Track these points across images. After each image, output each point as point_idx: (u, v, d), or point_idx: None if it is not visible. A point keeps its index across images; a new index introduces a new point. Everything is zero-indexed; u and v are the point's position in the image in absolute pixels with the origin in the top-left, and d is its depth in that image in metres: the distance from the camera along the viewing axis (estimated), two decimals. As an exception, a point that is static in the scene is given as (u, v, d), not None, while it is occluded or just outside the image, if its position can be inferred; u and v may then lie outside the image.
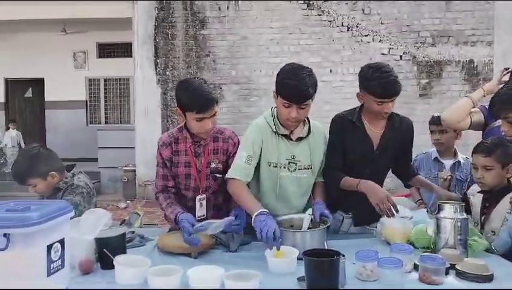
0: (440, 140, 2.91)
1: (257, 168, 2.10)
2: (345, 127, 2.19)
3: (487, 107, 2.43)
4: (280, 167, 2.09)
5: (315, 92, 1.99)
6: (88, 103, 11.11)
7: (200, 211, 2.13)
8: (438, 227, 1.87)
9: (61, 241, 1.54)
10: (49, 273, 1.48)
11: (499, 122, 2.39)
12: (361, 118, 2.19)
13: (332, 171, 2.18)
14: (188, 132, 2.11)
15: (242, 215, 1.98)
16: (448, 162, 2.95)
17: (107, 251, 1.72)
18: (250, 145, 2.05)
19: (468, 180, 2.91)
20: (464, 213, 1.86)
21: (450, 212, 1.84)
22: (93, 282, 1.66)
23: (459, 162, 2.93)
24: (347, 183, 2.12)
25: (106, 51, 10.88)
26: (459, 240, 1.83)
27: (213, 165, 2.14)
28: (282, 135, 2.08)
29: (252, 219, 1.85)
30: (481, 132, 2.66)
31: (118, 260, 1.65)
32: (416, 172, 2.53)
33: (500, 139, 2.09)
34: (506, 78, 2.49)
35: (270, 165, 2.09)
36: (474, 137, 2.54)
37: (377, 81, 2.03)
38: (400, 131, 2.21)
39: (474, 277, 1.61)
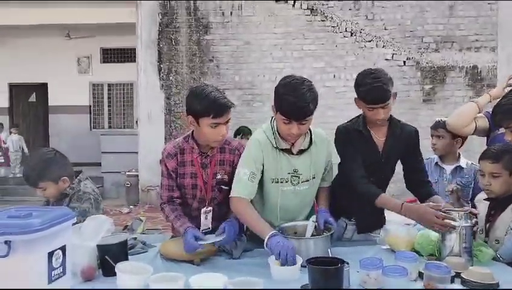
0: (436, 145, 2.90)
1: (259, 184, 2.05)
2: (352, 136, 2.18)
3: (490, 113, 2.42)
4: (282, 182, 2.05)
5: (315, 107, 1.91)
6: (92, 108, 11.15)
7: (205, 223, 2.10)
8: (442, 235, 1.85)
9: (63, 248, 1.54)
10: (50, 281, 1.47)
11: (503, 129, 2.38)
12: (367, 126, 2.18)
13: (364, 183, 2.10)
14: (195, 142, 2.07)
15: (230, 228, 1.93)
16: (449, 167, 2.93)
17: (108, 258, 1.71)
18: (252, 162, 2.00)
19: (472, 185, 2.88)
20: (469, 221, 1.84)
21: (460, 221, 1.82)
22: (95, 289, 1.66)
23: (460, 167, 2.91)
24: (388, 204, 2.05)
25: (110, 56, 10.93)
26: (464, 248, 1.81)
27: (219, 177, 2.10)
28: (282, 149, 2.03)
29: (266, 242, 1.79)
30: (485, 138, 2.64)
31: (119, 267, 1.64)
32: (435, 192, 2.26)
33: (508, 146, 2.07)
34: (511, 83, 2.48)
35: (272, 182, 2.06)
36: (477, 143, 2.53)
37: (365, 87, 2.05)
38: (401, 138, 2.18)
39: (480, 285, 1.59)
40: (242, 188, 1.97)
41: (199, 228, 2.06)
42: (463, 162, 2.93)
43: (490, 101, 2.47)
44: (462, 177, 2.90)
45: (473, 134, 2.59)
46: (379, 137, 2.18)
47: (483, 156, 2.12)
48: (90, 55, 10.92)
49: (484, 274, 1.63)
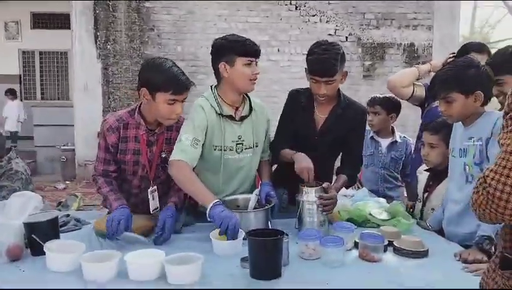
0: (372, 121, 3.00)
1: (201, 153, 2.00)
2: (296, 105, 2.18)
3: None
4: (225, 150, 2.03)
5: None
6: (22, 77, 10.38)
7: (153, 204, 2.00)
8: (301, 210, 1.88)
9: (-17, 228, 1.42)
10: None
11: (438, 102, 2.49)
12: (313, 100, 2.16)
13: (276, 142, 2.18)
14: (142, 118, 1.95)
15: (168, 221, 1.82)
16: (384, 142, 3.05)
17: (36, 237, 1.61)
18: (196, 128, 1.95)
19: (403, 158, 3.04)
20: (315, 196, 1.87)
21: (312, 196, 1.87)
22: (23, 269, 1.56)
23: (395, 141, 3.04)
24: (284, 153, 2.09)
25: (41, 21, 10.15)
26: (321, 221, 1.88)
27: (164, 156, 2.00)
28: (226, 116, 2.01)
29: (208, 211, 1.73)
30: (419, 115, 2.77)
31: (48, 246, 1.55)
32: (348, 172, 2.18)
33: None
34: (451, 60, 2.59)
35: (215, 149, 2.02)
36: (412, 118, 2.64)
37: (312, 56, 2.01)
38: (345, 119, 2.13)
39: (411, 253, 1.67)
40: (183, 152, 1.89)
41: (138, 206, 1.98)
42: (397, 136, 3.06)
43: (430, 71, 2.57)
44: (396, 151, 3.04)
45: (408, 100, 2.69)
46: (320, 114, 2.16)
47: (425, 128, 2.23)
48: (19, 20, 10.07)
49: (414, 242, 1.71)
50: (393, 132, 3.08)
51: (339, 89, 2.16)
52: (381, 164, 3.02)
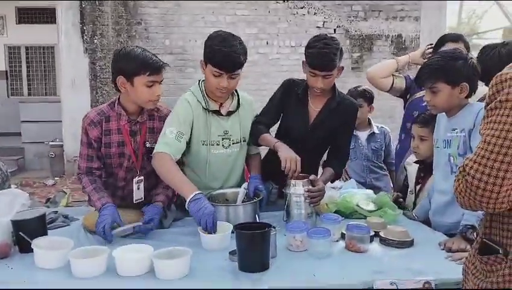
0: None
1: (187, 148, 2.02)
2: (290, 94, 2.17)
3: (411, 77, 2.54)
4: (212, 145, 2.04)
5: (245, 61, 1.94)
6: (8, 73, 10.22)
7: (138, 194, 2.00)
8: (288, 203, 1.91)
9: (-31, 226, 1.41)
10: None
11: (420, 93, 2.52)
12: (307, 92, 2.16)
13: (258, 124, 2.14)
14: (123, 108, 1.95)
15: (156, 218, 1.85)
16: (362, 134, 3.08)
17: (23, 234, 1.60)
18: (181, 121, 1.95)
19: (383, 148, 3.08)
20: (302, 188, 1.88)
21: (299, 188, 1.89)
22: (11, 266, 1.56)
23: (373, 133, 3.08)
24: (266, 139, 2.05)
25: (27, 16, 9.97)
26: (309, 213, 1.90)
27: (148, 145, 2.00)
28: (212, 111, 2.02)
29: (187, 203, 1.73)
30: (399, 106, 2.79)
31: (36, 243, 1.54)
32: (334, 166, 2.20)
33: None
34: (430, 51, 2.62)
35: (203, 144, 2.03)
36: (388, 108, 2.67)
37: (312, 50, 2.01)
38: (337, 113, 2.13)
39: (396, 243, 1.70)
40: (167, 145, 1.89)
41: (124, 199, 1.99)
42: (375, 127, 3.10)
43: (409, 62, 2.59)
44: (375, 142, 3.08)
45: (389, 91, 2.71)
46: (315, 106, 2.16)
47: (416, 120, 2.25)
48: (4, 15, 9.88)
49: (400, 232, 1.74)
50: (370, 123, 3.11)
51: (334, 83, 2.17)
52: (363, 156, 3.05)
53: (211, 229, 1.69)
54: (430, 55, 2.53)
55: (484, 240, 1.09)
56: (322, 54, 1.97)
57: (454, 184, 1.08)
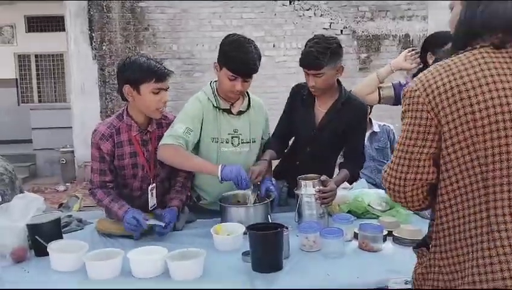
0: None
1: (197, 145, 2.05)
2: (297, 98, 2.20)
3: (400, 83, 2.52)
4: (222, 142, 2.05)
5: (259, 66, 1.99)
6: (18, 81, 10.36)
7: (152, 200, 2.01)
8: (300, 203, 1.91)
9: (-13, 230, 1.43)
10: (-26, 265, 1.37)
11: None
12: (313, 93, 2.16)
13: (272, 137, 2.25)
14: (132, 119, 1.95)
15: (173, 222, 1.88)
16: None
17: (39, 238, 1.63)
18: (190, 118, 1.98)
19: (388, 146, 3.05)
20: (313, 189, 1.89)
21: (310, 189, 1.89)
22: (27, 270, 1.58)
23: (374, 132, 3.05)
24: (265, 155, 2.13)
25: (36, 24, 10.11)
26: (320, 214, 1.90)
27: None
28: (222, 109, 2.05)
29: (219, 176, 1.84)
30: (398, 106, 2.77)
31: (51, 246, 1.56)
32: (349, 167, 2.18)
33: None
34: (413, 53, 2.56)
35: (212, 141, 2.05)
36: (388, 107, 2.65)
37: (303, 49, 2.05)
38: (344, 113, 2.12)
39: (410, 241, 1.69)
40: (176, 137, 1.92)
41: (141, 209, 2.00)
42: (376, 126, 3.07)
43: (392, 71, 2.55)
44: (378, 141, 3.05)
45: (379, 103, 2.69)
46: (321, 108, 2.16)
47: None
48: (14, 24, 10.03)
49: (413, 231, 1.73)
50: (370, 122, 3.09)
51: (340, 84, 2.17)
52: (368, 157, 3.03)
53: (246, 182, 1.83)
54: (414, 56, 2.48)
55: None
56: (308, 52, 2.01)
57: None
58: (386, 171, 1.12)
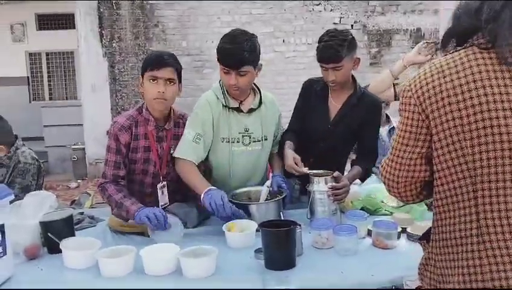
0: None
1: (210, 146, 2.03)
2: (310, 93, 2.19)
3: None
4: (233, 142, 2.03)
5: (255, 59, 1.92)
6: (30, 79, 10.45)
7: (163, 199, 1.99)
8: (312, 200, 1.89)
9: (1, 228, 1.44)
10: (-12, 262, 1.38)
11: None
12: (327, 88, 2.15)
13: (286, 132, 2.21)
14: (150, 114, 1.96)
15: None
16: (382, 130, 3.03)
17: (52, 235, 1.63)
18: (199, 123, 1.97)
19: None
20: (326, 185, 1.87)
21: (322, 185, 1.87)
22: (41, 267, 1.58)
23: (393, 128, 3.03)
24: (284, 149, 2.08)
25: (47, 22, 10.18)
26: (333, 210, 1.88)
27: (172, 152, 2.00)
28: (232, 108, 2.02)
29: (202, 199, 1.80)
30: None
31: (64, 244, 1.57)
32: (362, 164, 2.16)
33: None
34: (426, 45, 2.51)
35: (223, 141, 2.03)
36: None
37: (319, 44, 2.04)
38: (359, 109, 2.11)
39: (424, 238, 1.66)
40: (186, 149, 1.95)
41: (153, 205, 1.99)
42: (394, 122, 3.05)
43: (406, 67, 2.51)
44: None
45: (395, 99, 2.66)
46: (336, 103, 2.15)
47: None
48: (24, 22, 10.11)
49: (428, 228, 1.70)
50: (388, 118, 3.08)
51: (354, 78, 2.15)
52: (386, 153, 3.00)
53: (217, 207, 1.74)
54: (432, 46, 2.44)
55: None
56: (326, 46, 1.99)
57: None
58: (382, 166, 1.16)
